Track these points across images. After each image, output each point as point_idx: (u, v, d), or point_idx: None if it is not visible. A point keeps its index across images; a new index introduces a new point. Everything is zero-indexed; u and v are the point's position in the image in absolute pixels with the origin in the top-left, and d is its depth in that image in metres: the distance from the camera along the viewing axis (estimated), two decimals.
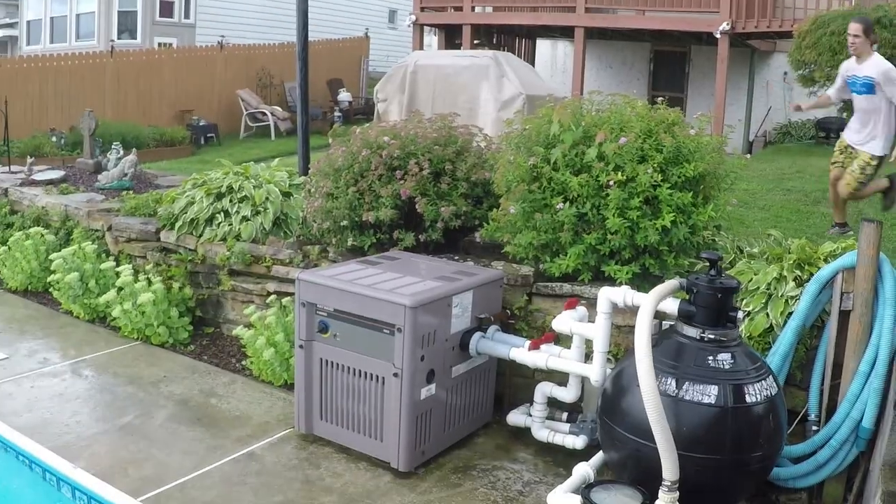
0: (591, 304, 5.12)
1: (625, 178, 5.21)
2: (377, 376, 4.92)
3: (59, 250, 8.13)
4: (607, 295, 4.65)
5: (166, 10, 27.15)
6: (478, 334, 5.20)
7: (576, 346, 4.97)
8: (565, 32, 19.61)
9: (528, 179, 5.54)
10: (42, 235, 8.60)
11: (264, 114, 20.70)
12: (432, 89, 10.61)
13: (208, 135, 19.71)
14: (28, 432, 5.49)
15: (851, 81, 7.55)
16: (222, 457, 5.19)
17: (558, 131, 5.49)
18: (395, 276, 5.19)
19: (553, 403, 5.32)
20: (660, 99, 6.05)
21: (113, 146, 10.52)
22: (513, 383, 5.76)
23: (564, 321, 4.93)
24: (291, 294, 6.32)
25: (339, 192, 6.20)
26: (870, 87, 7.35)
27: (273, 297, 6.55)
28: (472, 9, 19.48)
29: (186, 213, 7.33)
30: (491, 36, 20.81)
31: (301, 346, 5.25)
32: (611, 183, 5.21)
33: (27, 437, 5.44)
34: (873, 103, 7.38)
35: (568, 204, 5.36)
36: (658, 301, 4.08)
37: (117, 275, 7.34)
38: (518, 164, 5.60)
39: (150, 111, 20.00)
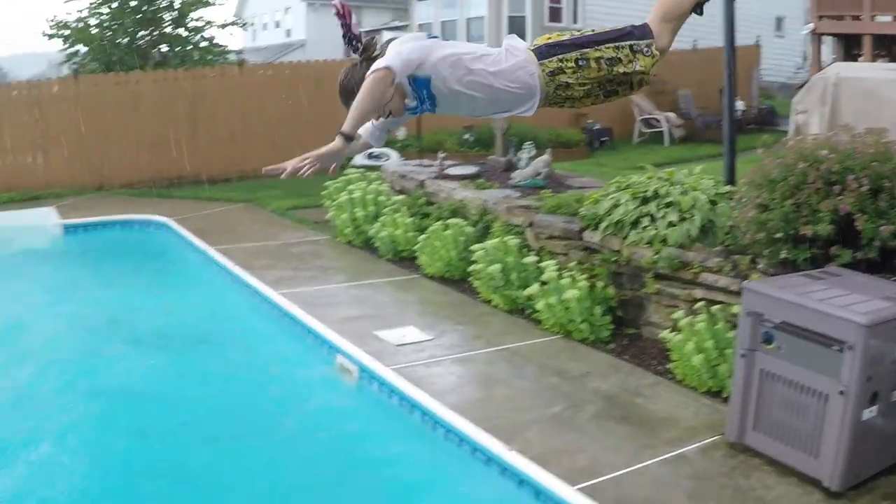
0: None
1: None
2: (820, 392, 4.87)
3: (477, 242, 8.59)
4: None
5: (555, 14, 27.94)
6: None
7: None
8: None
9: None
10: (461, 227, 9.11)
11: (658, 120, 20.68)
12: (857, 103, 10.20)
13: (602, 139, 19.96)
14: (457, 413, 5.86)
15: None
16: (653, 456, 5.32)
17: None
18: (841, 292, 5.10)
19: None
20: None
21: (524, 146, 10.99)
22: None
23: None
24: (719, 302, 6.36)
25: (774, 204, 6.15)
26: None
27: (701, 303, 6.56)
28: (872, 18, 18.63)
29: (611, 214, 7.49)
30: (892, 47, 19.82)
31: (743, 356, 5.28)
32: None
33: (458, 416, 5.82)
34: None
35: None
36: None
37: (540, 270, 7.67)
38: None
39: (547, 113, 20.22)
